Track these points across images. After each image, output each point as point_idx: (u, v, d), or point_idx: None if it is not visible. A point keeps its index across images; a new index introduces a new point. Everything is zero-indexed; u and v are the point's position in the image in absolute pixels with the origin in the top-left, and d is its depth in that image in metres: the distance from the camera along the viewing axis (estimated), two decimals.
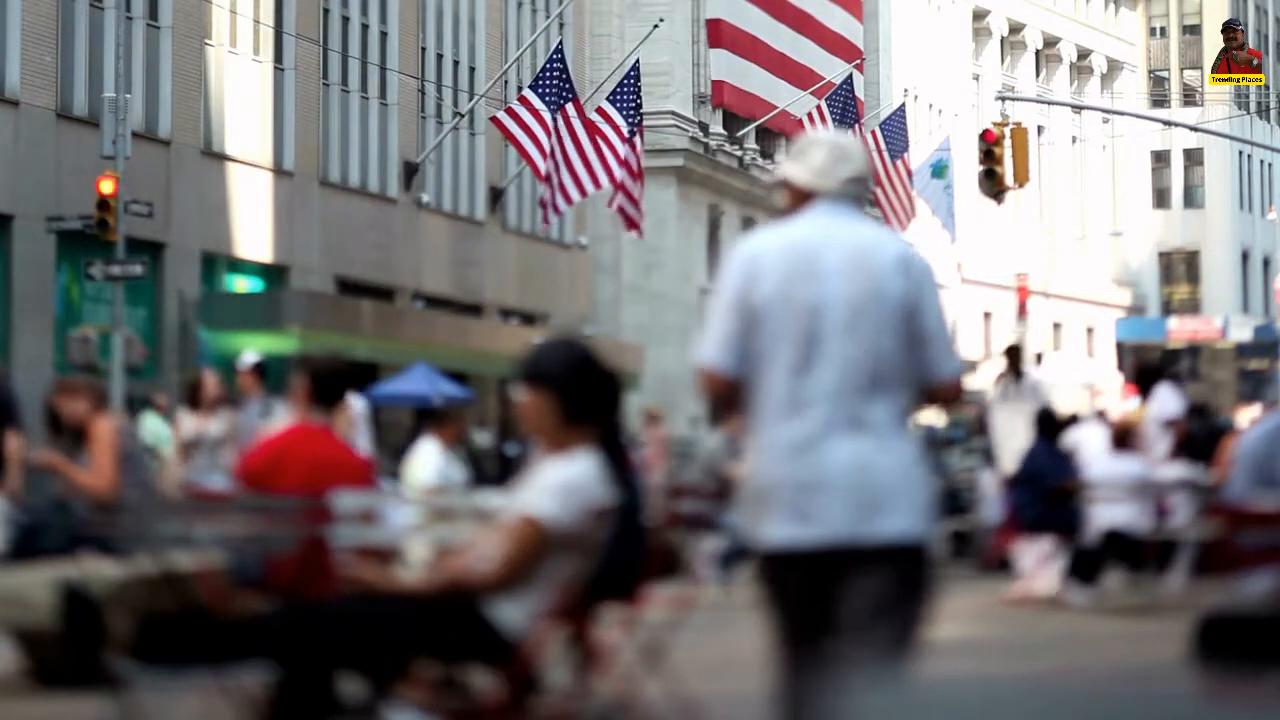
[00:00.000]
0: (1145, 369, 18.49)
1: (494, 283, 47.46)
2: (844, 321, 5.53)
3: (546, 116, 37.12)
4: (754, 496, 5.69)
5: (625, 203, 38.89)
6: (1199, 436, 17.90)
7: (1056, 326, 78.29)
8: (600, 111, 39.13)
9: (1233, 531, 8.27)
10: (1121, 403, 21.37)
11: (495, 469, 34.81)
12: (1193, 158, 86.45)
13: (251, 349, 36.90)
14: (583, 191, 38.29)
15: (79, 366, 31.60)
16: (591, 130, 38.09)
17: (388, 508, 8.70)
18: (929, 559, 5.68)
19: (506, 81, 45.24)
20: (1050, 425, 17.24)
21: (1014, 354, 19.30)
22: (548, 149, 37.17)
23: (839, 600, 5.57)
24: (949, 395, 5.80)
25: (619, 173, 38.52)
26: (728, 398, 5.72)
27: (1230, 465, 11.77)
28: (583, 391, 6.43)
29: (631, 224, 39.39)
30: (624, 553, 6.82)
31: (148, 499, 10.82)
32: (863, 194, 5.83)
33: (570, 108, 37.47)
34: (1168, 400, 17.12)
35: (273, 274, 40.01)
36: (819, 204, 5.69)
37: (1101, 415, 22.09)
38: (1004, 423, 18.42)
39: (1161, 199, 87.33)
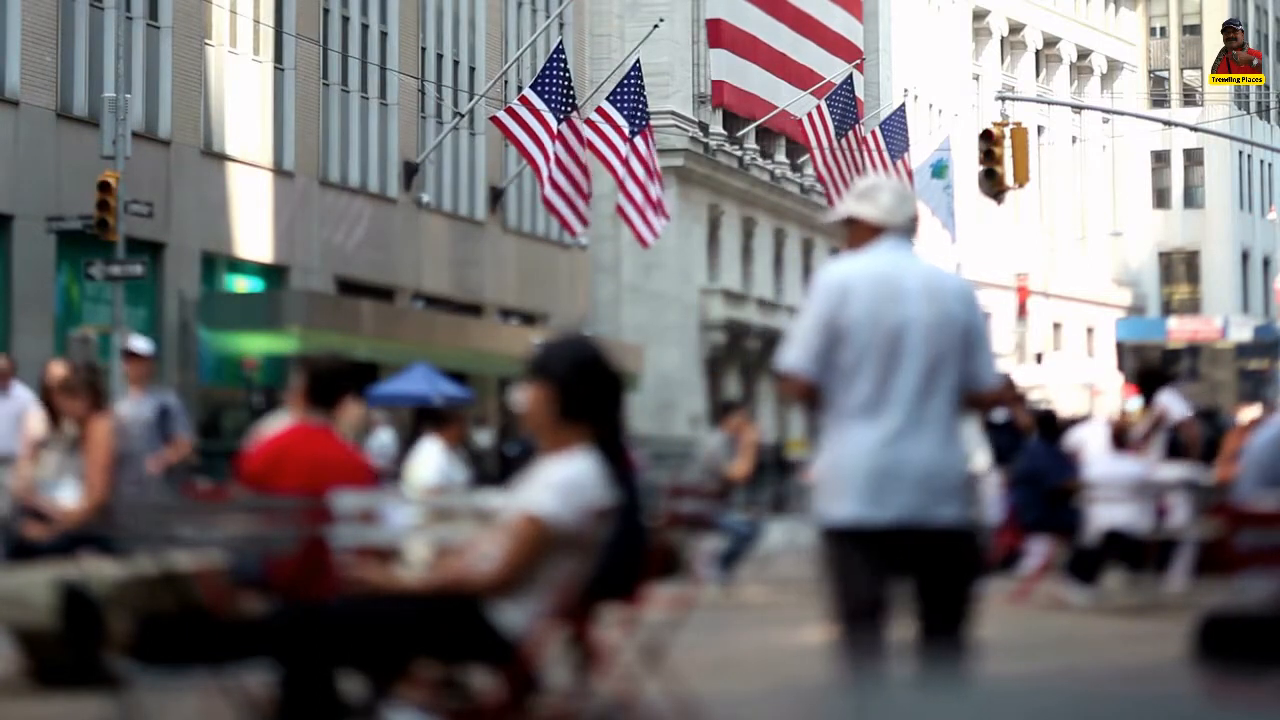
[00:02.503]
0: (1148, 372, 18.44)
1: (494, 283, 47.47)
2: (921, 339, 6.56)
3: (548, 116, 37.10)
4: (830, 481, 6.57)
5: (630, 211, 38.82)
6: (1203, 438, 17.89)
7: (1056, 326, 78.30)
8: (600, 111, 39.13)
9: (1233, 531, 8.27)
10: (1122, 403, 21.30)
11: (495, 469, 34.81)
12: (1193, 158, 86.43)
13: (252, 349, 37.11)
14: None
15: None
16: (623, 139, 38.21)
17: (388, 508, 8.69)
18: (976, 540, 6.74)
19: (506, 81, 45.25)
20: (1051, 426, 17.24)
21: None
22: (551, 152, 37.15)
23: (900, 577, 6.52)
24: (990, 401, 6.92)
25: (620, 171, 38.50)
26: (806, 398, 6.67)
27: (1234, 465, 11.76)
28: (581, 388, 6.46)
29: (638, 234, 39.32)
30: (624, 553, 6.82)
31: (146, 499, 10.79)
32: (897, 228, 6.77)
33: (575, 116, 37.59)
34: (1172, 406, 17.10)
35: (273, 274, 40.01)
36: (887, 239, 6.72)
37: (1096, 415, 22.05)
38: None
39: (1161, 199, 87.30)
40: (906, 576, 6.50)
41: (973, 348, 6.64)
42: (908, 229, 6.77)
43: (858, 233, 6.73)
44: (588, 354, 6.58)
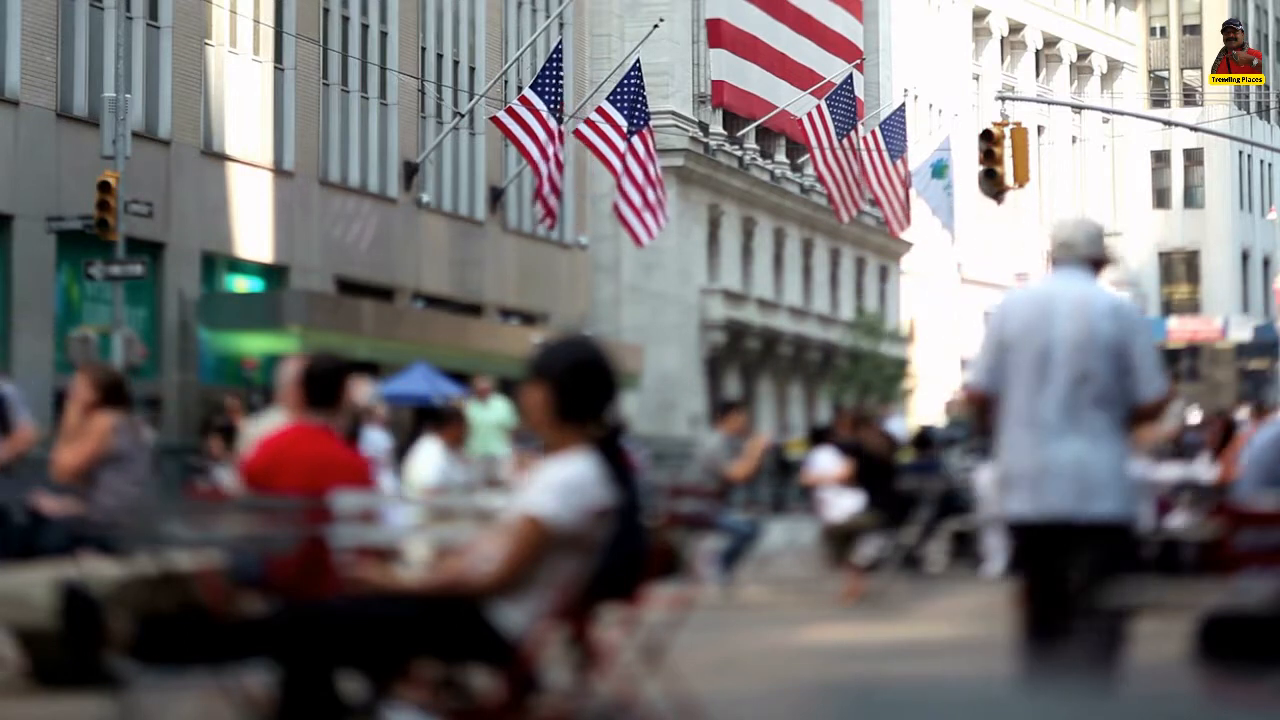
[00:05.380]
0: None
1: (494, 283, 47.46)
2: (1066, 354, 7.45)
3: (548, 116, 37.10)
4: (1003, 480, 7.56)
5: (627, 211, 38.84)
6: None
7: None
8: (600, 111, 39.13)
9: (1233, 531, 8.26)
10: None
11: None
12: (1193, 158, 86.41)
13: (252, 349, 37.08)
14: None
15: (82, 366, 31.55)
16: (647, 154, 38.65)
17: (388, 508, 8.69)
18: (1132, 535, 7.57)
19: (506, 81, 45.24)
20: None
21: None
22: (549, 151, 37.15)
23: (1065, 566, 7.38)
24: (1151, 412, 7.69)
25: (619, 170, 38.51)
26: (982, 408, 7.71)
27: (1236, 466, 11.77)
28: (577, 389, 6.45)
29: (633, 233, 39.36)
30: (624, 553, 6.82)
31: (147, 499, 10.81)
32: (1074, 257, 7.71)
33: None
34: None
35: (273, 274, 40.00)
36: (1062, 267, 7.72)
37: None
38: None
39: (1161, 199, 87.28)
40: (1070, 565, 7.38)
41: (1127, 362, 7.50)
42: (1082, 259, 7.70)
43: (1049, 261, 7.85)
44: (586, 355, 6.57)
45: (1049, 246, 7.84)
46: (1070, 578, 7.37)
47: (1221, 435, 17.45)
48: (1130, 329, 7.58)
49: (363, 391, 8.57)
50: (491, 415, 23.29)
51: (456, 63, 46.79)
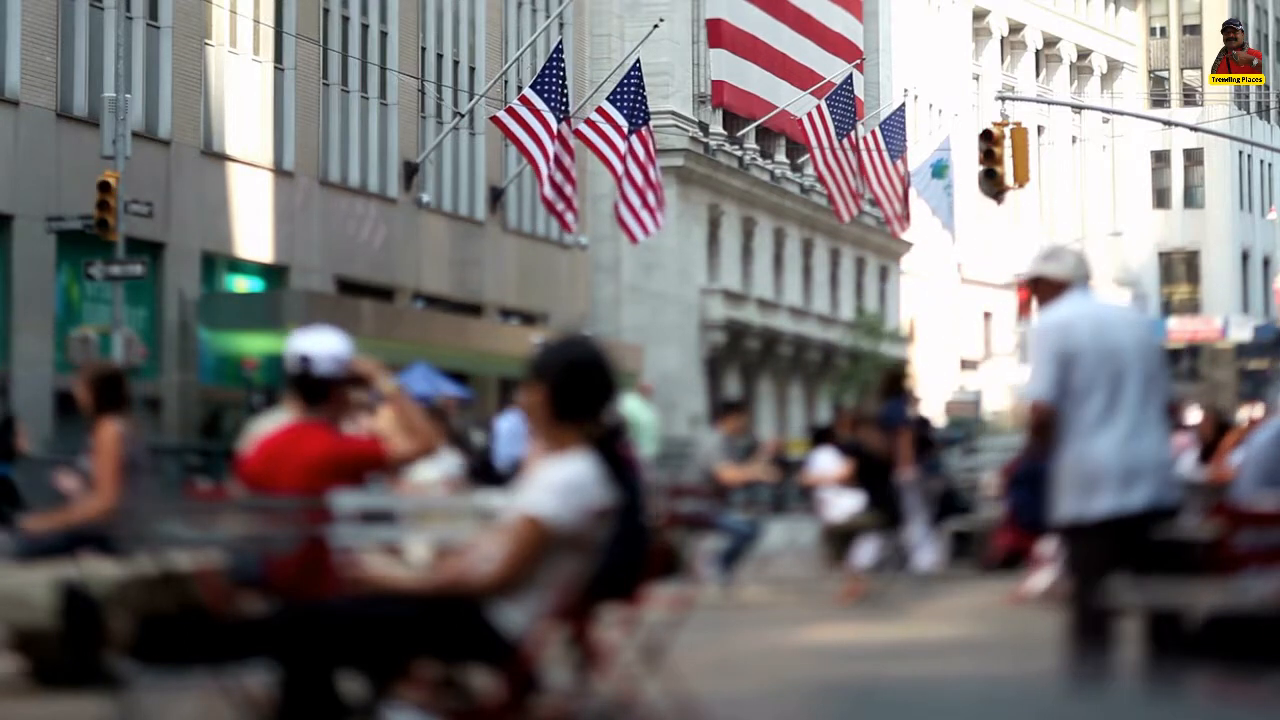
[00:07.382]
0: None
1: (494, 283, 47.47)
2: (1134, 360, 8.08)
3: (548, 116, 37.11)
4: (1079, 482, 8.02)
5: (623, 209, 38.86)
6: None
7: None
8: (600, 111, 39.14)
9: (1233, 531, 8.27)
10: None
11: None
12: (1193, 158, 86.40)
13: (251, 349, 37.08)
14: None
15: (79, 367, 31.55)
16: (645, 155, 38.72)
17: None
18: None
19: (506, 81, 45.25)
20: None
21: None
22: (551, 152, 37.17)
23: (1138, 551, 7.95)
24: (1177, 410, 8.64)
25: (619, 170, 38.53)
26: (1051, 421, 8.07)
27: (1233, 464, 11.78)
28: (573, 389, 6.45)
29: (628, 231, 39.41)
30: (624, 553, 6.82)
31: (148, 502, 10.76)
32: (1087, 280, 8.35)
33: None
34: None
35: (273, 274, 40.01)
36: (1074, 290, 8.22)
37: None
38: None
39: (1161, 199, 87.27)
40: (1142, 558, 7.91)
41: (1162, 369, 8.29)
42: (1086, 281, 8.30)
43: (1045, 289, 8.25)
44: (582, 355, 6.57)
45: (1045, 272, 8.27)
46: (1132, 570, 7.95)
47: (1213, 434, 17.44)
48: (1158, 340, 8.49)
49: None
50: (648, 414, 22.28)
51: (456, 63, 46.80)
